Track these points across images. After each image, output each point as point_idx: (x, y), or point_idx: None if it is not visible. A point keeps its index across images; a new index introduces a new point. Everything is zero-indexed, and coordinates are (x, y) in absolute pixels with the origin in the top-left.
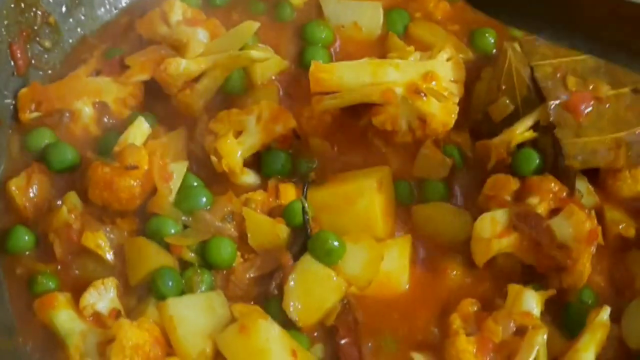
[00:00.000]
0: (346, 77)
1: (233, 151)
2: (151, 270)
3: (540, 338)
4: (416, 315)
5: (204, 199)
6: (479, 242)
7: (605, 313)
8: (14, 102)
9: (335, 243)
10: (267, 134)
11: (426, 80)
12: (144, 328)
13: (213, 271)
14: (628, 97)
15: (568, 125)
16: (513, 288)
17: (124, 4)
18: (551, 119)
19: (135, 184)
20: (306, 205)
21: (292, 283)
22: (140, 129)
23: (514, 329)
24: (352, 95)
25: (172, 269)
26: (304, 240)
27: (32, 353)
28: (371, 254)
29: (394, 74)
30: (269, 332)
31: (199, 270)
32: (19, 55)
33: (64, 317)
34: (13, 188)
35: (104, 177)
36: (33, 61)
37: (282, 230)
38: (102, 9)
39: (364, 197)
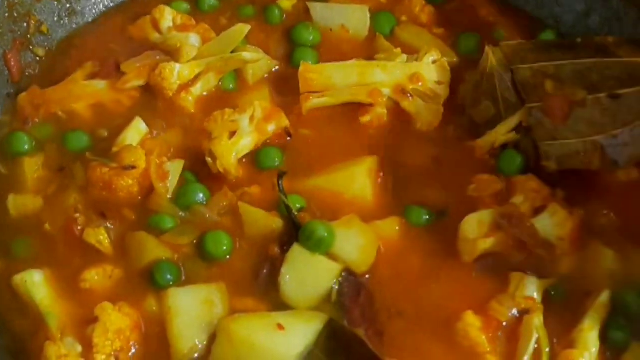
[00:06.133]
0: (334, 78)
1: (228, 152)
2: (150, 262)
3: (537, 320)
4: (424, 294)
5: (201, 195)
6: (465, 242)
7: (605, 295)
8: None
9: (325, 233)
10: (261, 133)
11: (412, 82)
12: (125, 312)
13: (210, 263)
14: (604, 101)
15: (545, 128)
16: (515, 275)
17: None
18: (529, 121)
19: (133, 183)
20: (285, 198)
21: (287, 277)
22: (137, 130)
23: (517, 315)
24: (340, 95)
25: (170, 262)
26: (294, 230)
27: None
28: (366, 238)
29: (381, 75)
30: (246, 327)
31: (197, 262)
32: (12, 63)
33: (44, 296)
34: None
35: (102, 178)
36: (27, 70)
37: (276, 223)
38: (94, 18)
39: (356, 183)
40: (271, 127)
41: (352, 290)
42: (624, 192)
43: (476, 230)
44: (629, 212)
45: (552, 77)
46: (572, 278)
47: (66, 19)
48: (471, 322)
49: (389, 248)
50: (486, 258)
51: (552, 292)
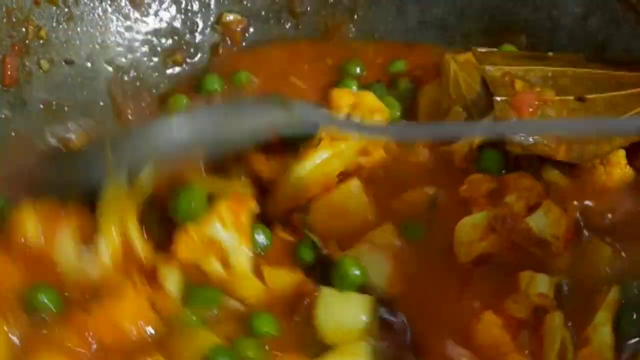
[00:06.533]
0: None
1: (250, 286)
2: (205, 353)
3: (558, 319)
4: (443, 303)
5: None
6: (460, 246)
7: (616, 291)
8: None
9: (357, 272)
10: (242, 233)
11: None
12: None
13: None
14: (572, 103)
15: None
16: (524, 274)
17: None
18: (496, 113)
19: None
20: (314, 237)
21: (321, 318)
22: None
23: (533, 312)
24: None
25: (224, 348)
26: (323, 265)
27: None
28: (385, 262)
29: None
30: None
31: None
32: (9, 67)
33: None
34: None
35: (85, 325)
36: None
37: (298, 274)
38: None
39: (353, 198)
40: (244, 218)
41: (388, 314)
42: (619, 191)
43: (471, 233)
44: (625, 211)
45: (521, 79)
46: (575, 274)
47: (64, 24)
48: (492, 321)
49: (403, 264)
50: (488, 259)
51: (565, 289)
